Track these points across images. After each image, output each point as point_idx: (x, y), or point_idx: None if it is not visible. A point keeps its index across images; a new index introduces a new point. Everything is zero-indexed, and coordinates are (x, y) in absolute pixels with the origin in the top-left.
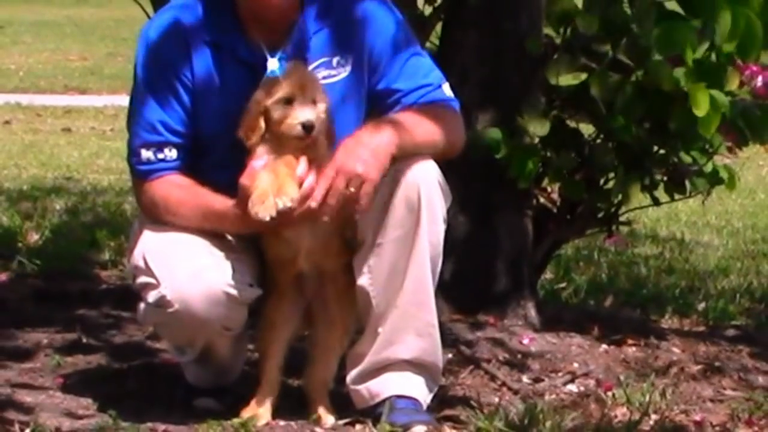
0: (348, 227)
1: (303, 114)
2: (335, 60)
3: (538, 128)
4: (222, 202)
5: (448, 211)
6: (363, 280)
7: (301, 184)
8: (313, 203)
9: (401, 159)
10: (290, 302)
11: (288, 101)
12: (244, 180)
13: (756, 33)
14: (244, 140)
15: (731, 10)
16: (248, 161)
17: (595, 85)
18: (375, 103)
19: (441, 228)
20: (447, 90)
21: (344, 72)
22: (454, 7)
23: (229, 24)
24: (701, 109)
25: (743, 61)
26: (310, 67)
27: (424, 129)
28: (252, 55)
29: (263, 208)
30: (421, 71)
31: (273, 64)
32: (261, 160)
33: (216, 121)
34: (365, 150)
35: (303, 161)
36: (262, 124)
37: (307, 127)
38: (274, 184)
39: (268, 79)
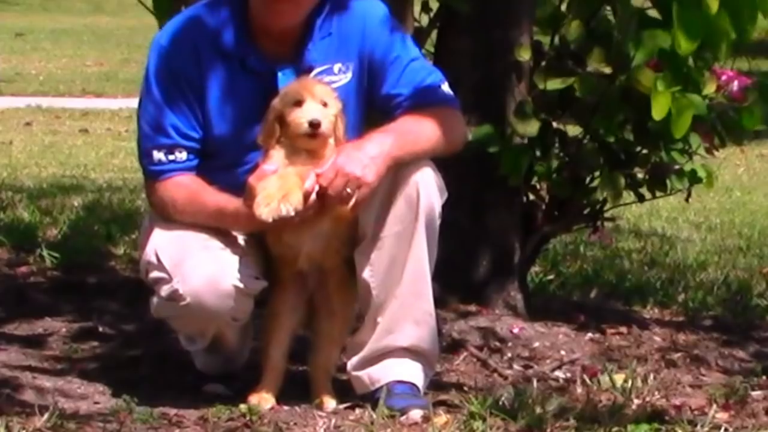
0: (348, 229)
1: (310, 112)
2: (337, 67)
3: (527, 129)
4: (227, 201)
5: (444, 207)
6: (364, 273)
7: (306, 198)
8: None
9: (404, 164)
10: (293, 294)
11: (298, 103)
12: (252, 180)
13: (721, 31)
14: (261, 145)
15: (686, 14)
16: (260, 163)
17: (580, 87)
18: (377, 107)
19: (437, 223)
20: (446, 89)
21: (345, 78)
22: (449, 16)
23: (240, 34)
24: (658, 113)
25: (717, 62)
26: (313, 74)
27: (425, 133)
28: (261, 65)
29: (267, 210)
30: (420, 75)
31: (285, 79)
32: (272, 165)
33: (225, 126)
34: (365, 155)
35: (312, 176)
36: (277, 128)
37: (314, 124)
38: (281, 190)
39: (284, 88)
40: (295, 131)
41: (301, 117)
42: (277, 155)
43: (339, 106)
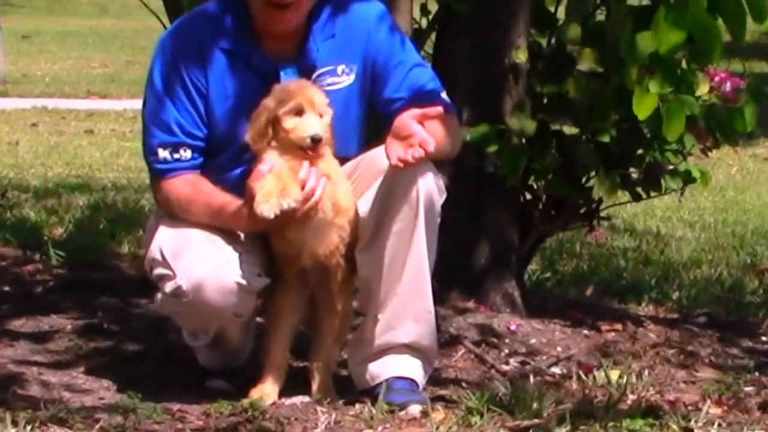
0: (349, 225)
1: (312, 127)
2: (340, 68)
3: (524, 129)
4: (231, 202)
5: (443, 206)
6: (365, 270)
7: (303, 187)
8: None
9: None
10: (295, 292)
11: (298, 112)
12: (251, 182)
13: (713, 33)
14: (251, 145)
15: (670, 14)
16: (255, 165)
17: (573, 89)
18: (378, 110)
19: (437, 222)
20: (445, 96)
21: (348, 80)
22: (448, 18)
23: (244, 33)
24: (642, 112)
25: (709, 64)
26: (316, 74)
27: (435, 135)
28: (264, 63)
29: (267, 207)
30: (422, 80)
31: (287, 78)
32: (267, 164)
33: (228, 123)
34: None
35: (305, 166)
36: (270, 131)
37: (315, 140)
38: (278, 186)
39: (279, 89)
40: (297, 143)
41: (303, 131)
42: (271, 154)
43: (330, 113)
